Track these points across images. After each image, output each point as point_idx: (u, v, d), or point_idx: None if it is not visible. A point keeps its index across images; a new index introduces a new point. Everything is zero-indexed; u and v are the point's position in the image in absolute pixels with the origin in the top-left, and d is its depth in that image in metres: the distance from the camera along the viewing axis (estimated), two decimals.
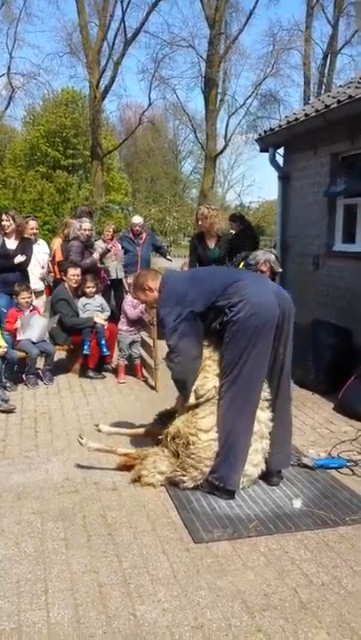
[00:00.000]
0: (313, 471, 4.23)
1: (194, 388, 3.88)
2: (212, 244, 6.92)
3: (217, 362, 3.88)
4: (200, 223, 6.85)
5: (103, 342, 6.83)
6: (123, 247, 9.15)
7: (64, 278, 7.27)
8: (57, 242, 8.78)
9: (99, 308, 7.10)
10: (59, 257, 8.37)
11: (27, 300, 6.70)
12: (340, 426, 5.33)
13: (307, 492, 3.92)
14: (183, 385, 3.92)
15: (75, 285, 7.11)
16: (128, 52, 26.50)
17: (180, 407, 4.08)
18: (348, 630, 2.59)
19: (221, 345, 3.84)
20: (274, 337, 3.78)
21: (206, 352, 3.94)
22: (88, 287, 7.10)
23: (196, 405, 3.91)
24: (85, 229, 7.77)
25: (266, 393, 3.90)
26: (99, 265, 8.24)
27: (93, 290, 7.12)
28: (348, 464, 4.36)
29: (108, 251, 8.58)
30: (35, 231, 8.05)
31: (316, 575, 3.00)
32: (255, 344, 3.69)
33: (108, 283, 8.99)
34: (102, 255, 8.25)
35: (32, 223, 8.04)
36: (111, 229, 9.53)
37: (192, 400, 3.90)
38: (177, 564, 3.09)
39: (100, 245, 8.46)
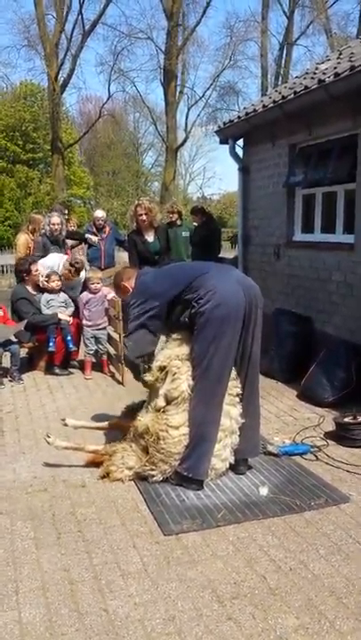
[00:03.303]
0: (278, 458, 4.31)
1: (164, 391, 3.90)
2: (150, 237, 6.90)
3: (186, 361, 3.90)
4: (144, 217, 6.75)
5: (69, 338, 6.77)
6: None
7: (25, 277, 7.14)
8: (22, 238, 8.66)
9: (63, 304, 7.03)
10: (24, 253, 8.26)
11: None
12: (303, 413, 5.43)
13: (273, 479, 3.99)
14: (132, 364, 4.20)
15: (38, 282, 7.01)
16: (86, 45, 26.42)
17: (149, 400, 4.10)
18: (317, 614, 2.66)
19: (190, 342, 3.89)
20: (242, 326, 3.83)
21: (176, 350, 3.94)
22: (53, 281, 6.97)
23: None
24: (53, 223, 7.71)
25: (238, 388, 3.95)
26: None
27: (59, 284, 7.02)
28: (311, 450, 4.45)
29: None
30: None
31: (283, 561, 3.07)
32: (223, 334, 3.74)
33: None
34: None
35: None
36: (73, 224, 9.47)
37: (162, 403, 3.92)
38: (147, 557, 3.12)
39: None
